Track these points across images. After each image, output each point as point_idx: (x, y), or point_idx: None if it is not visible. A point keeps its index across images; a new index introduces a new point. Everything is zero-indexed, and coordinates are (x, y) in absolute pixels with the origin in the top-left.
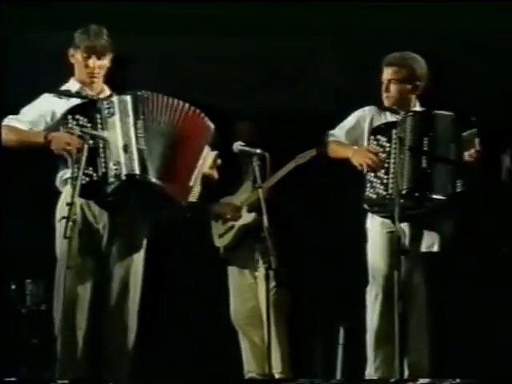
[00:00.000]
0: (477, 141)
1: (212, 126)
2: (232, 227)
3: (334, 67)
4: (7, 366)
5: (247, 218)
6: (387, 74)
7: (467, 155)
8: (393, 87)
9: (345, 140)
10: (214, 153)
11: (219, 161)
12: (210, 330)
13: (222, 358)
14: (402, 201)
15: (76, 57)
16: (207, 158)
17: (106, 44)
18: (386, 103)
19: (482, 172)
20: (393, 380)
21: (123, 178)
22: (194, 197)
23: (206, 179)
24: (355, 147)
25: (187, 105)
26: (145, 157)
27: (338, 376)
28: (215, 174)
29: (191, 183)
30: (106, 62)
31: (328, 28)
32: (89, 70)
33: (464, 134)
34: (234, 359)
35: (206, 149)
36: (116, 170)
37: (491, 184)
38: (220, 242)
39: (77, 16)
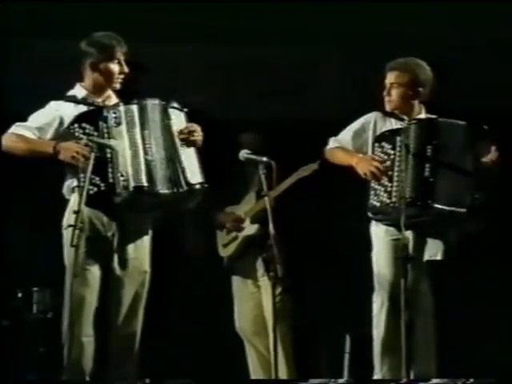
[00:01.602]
0: (493, 148)
1: (160, 101)
2: (236, 238)
3: (339, 76)
4: (14, 374)
5: (250, 229)
6: (389, 78)
7: (484, 160)
8: (394, 91)
9: (350, 146)
10: (182, 116)
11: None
12: (217, 338)
13: (229, 366)
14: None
15: (108, 67)
16: (179, 126)
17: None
18: (388, 107)
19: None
20: (404, 380)
21: (131, 189)
22: (191, 171)
23: (188, 143)
24: (360, 155)
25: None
26: (152, 168)
27: None
28: (194, 134)
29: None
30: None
31: (331, 37)
32: (122, 75)
33: (479, 143)
34: (241, 368)
35: (171, 122)
36: (124, 181)
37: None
38: (224, 252)
39: (77, 23)
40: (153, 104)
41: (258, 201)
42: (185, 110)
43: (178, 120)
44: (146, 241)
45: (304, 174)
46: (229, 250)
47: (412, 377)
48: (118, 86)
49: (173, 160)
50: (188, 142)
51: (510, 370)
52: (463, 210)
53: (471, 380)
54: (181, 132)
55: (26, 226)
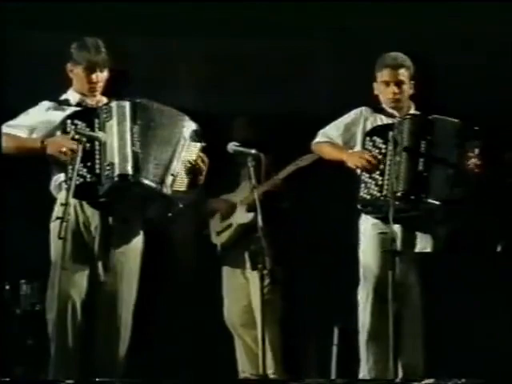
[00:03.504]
0: (477, 150)
1: (187, 119)
2: (230, 225)
3: (329, 68)
4: (2, 366)
5: (246, 217)
6: (391, 75)
7: (469, 163)
8: (398, 89)
9: (339, 140)
10: (198, 144)
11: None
12: (207, 331)
13: (219, 358)
14: (396, 203)
15: (76, 72)
16: (189, 150)
17: (107, 57)
18: (391, 104)
19: (482, 178)
20: (397, 380)
21: (116, 178)
22: (180, 187)
23: (191, 169)
24: (350, 151)
25: (184, 115)
26: (139, 159)
27: (333, 376)
28: (201, 164)
29: (172, 172)
30: (106, 74)
31: (325, 29)
32: (92, 84)
33: (467, 142)
34: (231, 360)
35: (187, 141)
36: (109, 170)
37: (487, 185)
38: (218, 240)
39: (76, 17)
40: (167, 109)
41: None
42: (202, 143)
43: (193, 148)
44: (134, 236)
45: (303, 164)
46: (222, 238)
47: (400, 370)
48: (96, 92)
49: (165, 165)
50: (189, 172)
51: (502, 368)
52: (439, 202)
53: (463, 380)
54: (189, 161)
55: (13, 219)
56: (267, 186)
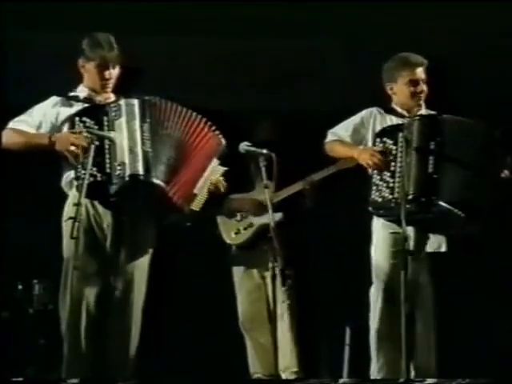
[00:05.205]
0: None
1: (223, 140)
2: (251, 225)
3: (340, 67)
4: (14, 366)
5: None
6: (419, 73)
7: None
8: (424, 87)
9: (349, 141)
10: (223, 168)
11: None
12: (217, 332)
13: (230, 359)
14: (408, 205)
15: (88, 67)
16: (215, 171)
17: (119, 53)
18: (417, 102)
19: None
20: (402, 380)
21: (126, 178)
22: (197, 206)
23: (211, 191)
24: (361, 147)
25: (198, 115)
26: (149, 159)
27: (345, 376)
28: (221, 188)
29: (195, 191)
30: (117, 70)
31: (335, 28)
32: (104, 81)
33: (490, 145)
34: (241, 361)
35: (215, 161)
36: (120, 170)
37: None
38: (234, 240)
39: (77, 16)
40: (187, 111)
41: (289, 187)
42: (225, 168)
43: (218, 171)
44: (143, 233)
45: (343, 166)
46: (241, 238)
47: (412, 371)
48: (108, 88)
49: (176, 165)
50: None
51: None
52: (451, 206)
53: (467, 380)
54: (211, 184)
55: (26, 218)
56: (301, 186)
